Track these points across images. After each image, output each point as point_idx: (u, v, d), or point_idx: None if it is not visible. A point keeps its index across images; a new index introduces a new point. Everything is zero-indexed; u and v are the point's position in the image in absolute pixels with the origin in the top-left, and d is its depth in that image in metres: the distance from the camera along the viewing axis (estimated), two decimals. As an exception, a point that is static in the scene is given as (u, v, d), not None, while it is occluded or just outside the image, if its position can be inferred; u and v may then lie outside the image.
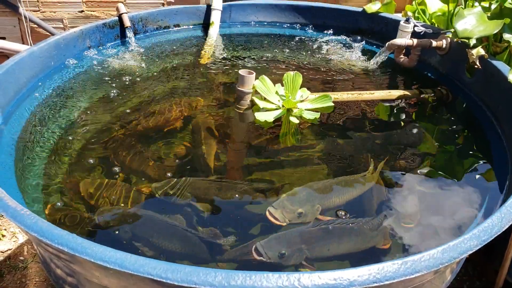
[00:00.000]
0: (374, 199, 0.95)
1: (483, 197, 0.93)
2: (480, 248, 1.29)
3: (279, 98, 1.19)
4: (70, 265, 0.72)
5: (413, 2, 1.65)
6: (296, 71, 1.19)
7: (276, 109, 1.19)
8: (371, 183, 0.99)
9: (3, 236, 1.61)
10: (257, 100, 1.19)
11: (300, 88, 1.21)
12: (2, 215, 1.67)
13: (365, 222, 0.88)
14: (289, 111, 1.18)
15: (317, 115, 1.17)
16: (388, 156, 1.08)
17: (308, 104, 1.20)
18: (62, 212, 0.91)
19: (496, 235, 0.66)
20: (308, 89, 1.24)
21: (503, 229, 0.67)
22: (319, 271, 0.58)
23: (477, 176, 1.03)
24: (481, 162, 1.08)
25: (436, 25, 1.58)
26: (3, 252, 1.56)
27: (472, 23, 1.24)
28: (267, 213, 0.87)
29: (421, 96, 1.31)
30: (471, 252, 0.63)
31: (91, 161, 1.03)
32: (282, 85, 1.21)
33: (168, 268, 0.58)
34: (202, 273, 0.57)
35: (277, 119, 1.18)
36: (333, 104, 1.20)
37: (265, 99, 1.20)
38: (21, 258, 1.54)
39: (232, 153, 1.13)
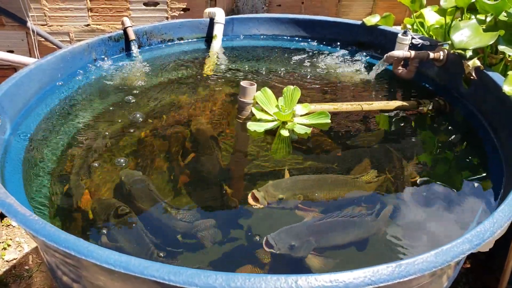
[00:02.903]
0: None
1: (479, 204, 0.95)
2: (481, 258, 1.30)
3: (276, 111, 1.22)
4: (76, 270, 0.75)
5: (412, 15, 1.68)
6: (295, 86, 1.21)
7: (272, 121, 1.21)
8: (363, 187, 1.02)
9: (9, 245, 1.63)
10: (254, 111, 1.22)
11: (302, 103, 1.23)
12: (8, 226, 1.70)
13: (367, 214, 0.94)
14: (284, 124, 1.21)
15: (309, 130, 1.17)
16: (388, 170, 1.10)
17: (303, 119, 1.22)
18: (67, 220, 0.94)
19: (488, 240, 0.68)
20: (308, 100, 1.26)
21: (495, 234, 0.69)
22: (318, 273, 0.61)
23: (474, 184, 1.05)
24: (478, 169, 1.10)
25: (434, 37, 1.61)
26: (8, 262, 1.58)
27: (468, 35, 1.27)
28: (249, 195, 0.94)
29: (419, 107, 1.34)
30: (463, 256, 0.65)
31: (97, 169, 1.06)
32: None
33: (171, 270, 0.60)
34: (203, 276, 0.59)
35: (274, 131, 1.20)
36: (329, 121, 1.20)
37: (263, 110, 1.22)
38: (26, 267, 1.56)
39: (231, 161, 1.16)
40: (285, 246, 0.83)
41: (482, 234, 0.68)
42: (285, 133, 1.18)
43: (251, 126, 1.18)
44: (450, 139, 1.26)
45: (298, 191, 0.97)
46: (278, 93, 1.25)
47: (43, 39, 2.04)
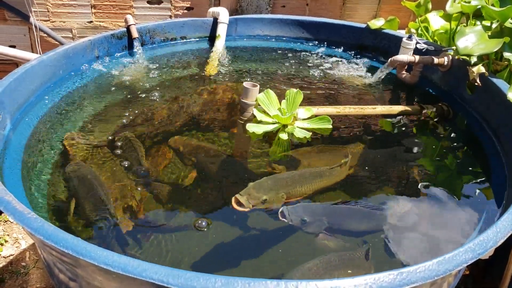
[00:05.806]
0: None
1: (481, 212, 0.94)
2: (480, 264, 1.29)
3: (277, 113, 1.21)
4: (73, 269, 0.74)
5: (416, 19, 1.67)
6: (298, 89, 1.20)
7: (272, 123, 1.20)
8: (339, 176, 1.04)
9: (6, 241, 1.62)
10: (256, 112, 1.21)
11: (305, 107, 1.23)
12: (6, 222, 1.69)
13: (384, 208, 0.97)
14: (284, 127, 1.19)
15: (308, 134, 1.16)
16: (362, 149, 1.12)
17: (304, 123, 1.21)
18: (66, 218, 0.93)
19: (491, 249, 0.67)
20: (311, 103, 1.25)
21: (498, 243, 0.68)
22: (319, 279, 0.60)
23: (476, 191, 1.04)
24: (480, 177, 1.09)
25: (438, 43, 1.60)
26: (5, 258, 1.57)
27: (473, 41, 1.27)
28: (233, 199, 0.92)
29: (423, 112, 1.33)
30: (466, 265, 0.65)
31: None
32: None
33: (170, 273, 0.59)
34: (202, 279, 0.59)
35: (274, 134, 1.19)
36: (331, 127, 1.19)
37: (264, 112, 1.21)
38: (23, 263, 1.56)
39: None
40: (298, 219, 0.88)
41: (485, 243, 0.67)
42: (284, 136, 1.17)
43: (250, 127, 1.17)
44: (452, 145, 1.25)
45: (281, 190, 0.96)
46: (281, 95, 1.24)
47: (45, 35, 2.03)
